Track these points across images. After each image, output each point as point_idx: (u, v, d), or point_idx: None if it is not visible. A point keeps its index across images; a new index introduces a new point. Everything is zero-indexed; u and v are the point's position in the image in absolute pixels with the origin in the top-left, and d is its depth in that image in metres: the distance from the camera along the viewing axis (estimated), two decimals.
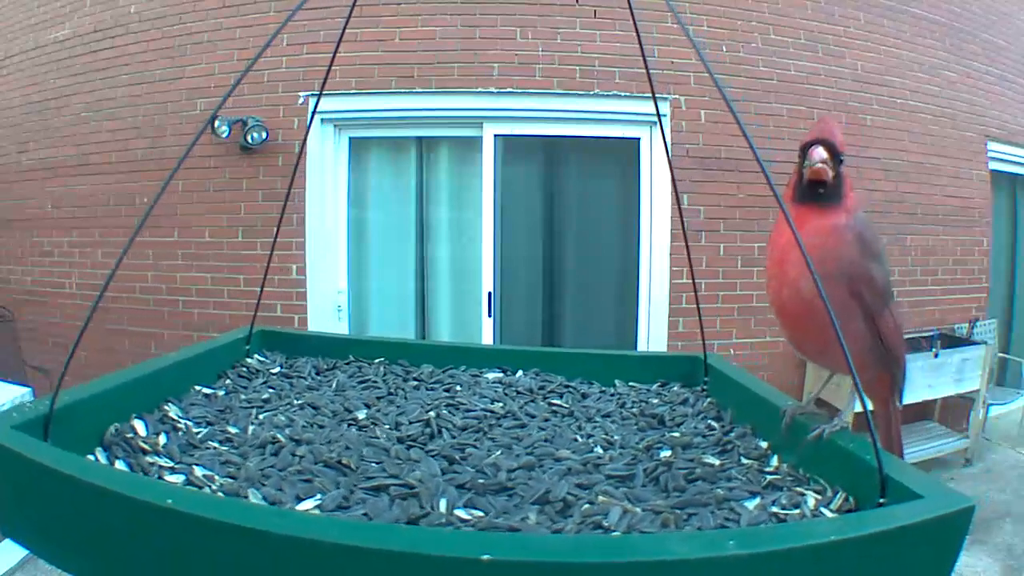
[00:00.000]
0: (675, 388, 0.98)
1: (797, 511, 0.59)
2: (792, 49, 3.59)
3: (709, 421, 0.84)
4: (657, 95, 3.26)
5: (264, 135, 3.30)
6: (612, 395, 0.96)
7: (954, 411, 3.90)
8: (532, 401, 0.91)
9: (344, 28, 0.95)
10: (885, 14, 3.82)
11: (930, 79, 3.94)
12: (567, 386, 0.98)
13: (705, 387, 0.96)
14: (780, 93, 3.52)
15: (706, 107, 3.38)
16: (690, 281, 3.41)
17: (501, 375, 1.00)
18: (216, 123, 3.27)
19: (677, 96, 3.37)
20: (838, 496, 0.60)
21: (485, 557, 0.40)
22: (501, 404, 0.87)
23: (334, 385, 0.93)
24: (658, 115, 1.19)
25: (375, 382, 0.95)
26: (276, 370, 0.97)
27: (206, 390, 0.84)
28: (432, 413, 0.80)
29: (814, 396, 0.77)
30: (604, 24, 3.38)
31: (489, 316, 3.48)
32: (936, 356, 3.53)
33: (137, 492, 0.46)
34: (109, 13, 3.72)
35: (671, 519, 0.56)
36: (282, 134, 3.37)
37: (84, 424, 0.63)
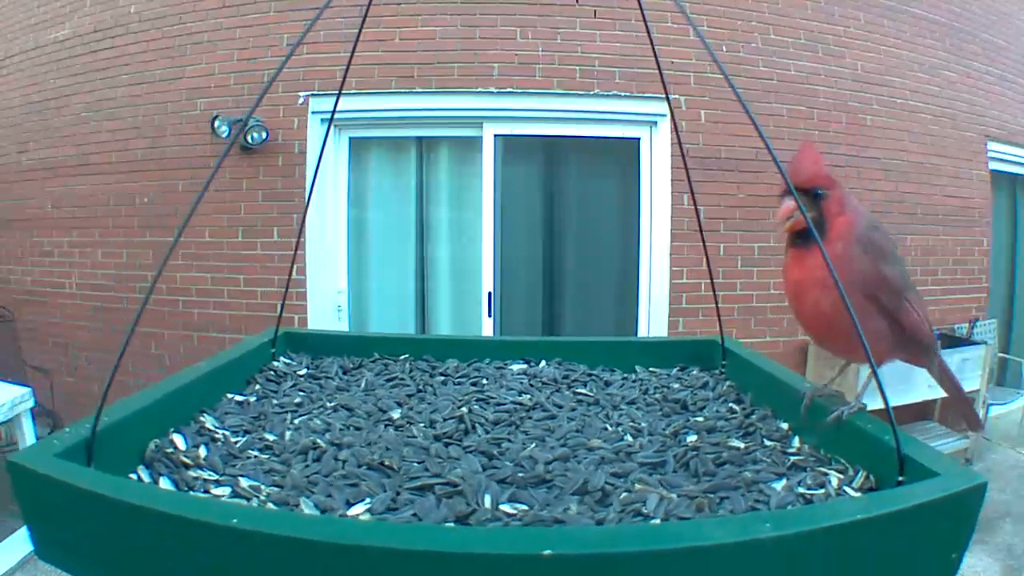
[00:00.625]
0: (694, 372, 1.01)
1: (822, 491, 0.60)
2: (792, 49, 3.59)
3: (730, 404, 0.86)
4: (657, 95, 3.27)
5: (264, 135, 3.30)
6: (634, 381, 0.98)
7: (954, 411, 3.90)
8: (558, 391, 0.93)
9: (360, 29, 0.95)
10: (885, 14, 3.83)
11: (930, 79, 3.95)
12: (590, 374, 1.00)
13: (723, 371, 0.99)
14: (780, 93, 3.53)
15: (706, 107, 3.38)
16: (690, 281, 3.41)
17: (525, 366, 1.02)
18: (216, 123, 3.28)
19: (677, 96, 3.37)
20: (859, 475, 0.62)
21: (547, 552, 0.41)
22: (528, 396, 0.88)
23: (363, 384, 0.93)
24: (672, 113, 1.19)
25: (403, 379, 0.96)
26: (303, 372, 0.97)
27: (238, 398, 0.84)
28: (464, 409, 0.81)
29: (833, 379, 0.79)
30: (604, 24, 3.38)
31: (489, 316, 3.48)
32: None
33: (200, 514, 0.46)
34: (109, 13, 3.72)
35: (705, 503, 0.57)
36: (282, 134, 3.37)
37: (124, 443, 0.62)
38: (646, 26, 0.87)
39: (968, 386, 3.67)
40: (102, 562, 0.50)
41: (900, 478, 0.55)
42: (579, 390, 0.93)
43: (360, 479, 0.62)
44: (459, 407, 0.82)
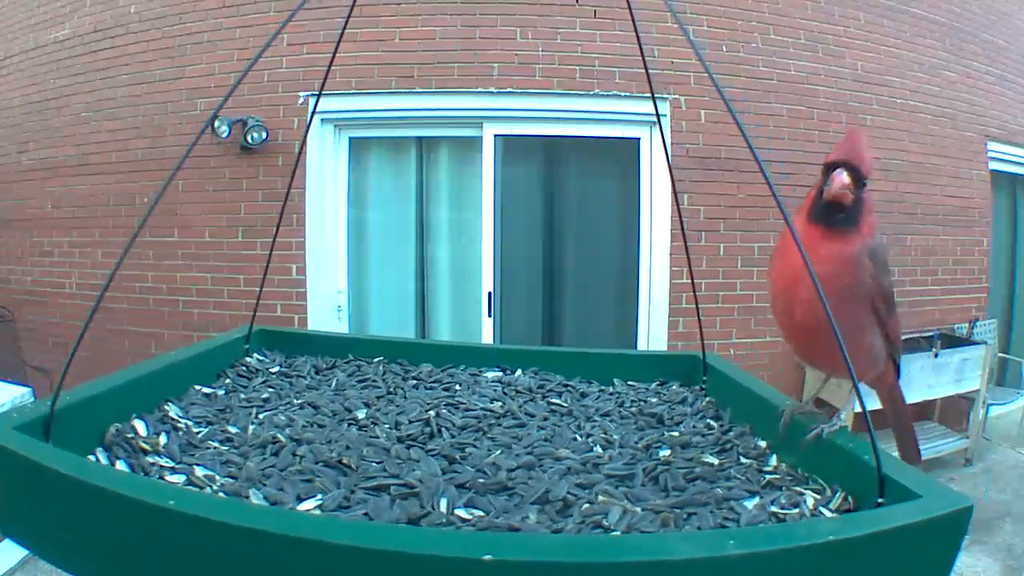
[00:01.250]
0: (674, 387, 0.98)
1: (796, 511, 0.59)
2: (792, 49, 3.59)
3: (708, 420, 0.84)
4: (657, 95, 3.26)
5: (264, 135, 3.30)
6: (611, 394, 0.96)
7: (954, 411, 3.90)
8: (531, 400, 0.91)
9: (344, 28, 0.95)
10: (885, 14, 3.83)
11: (930, 79, 3.94)
12: (566, 385, 0.98)
13: (704, 386, 0.97)
14: (780, 93, 3.52)
15: (706, 107, 3.38)
16: (690, 281, 3.41)
17: (500, 374, 1.01)
18: (216, 123, 3.28)
19: (677, 96, 3.37)
20: (837, 495, 0.60)
21: (487, 557, 0.40)
22: (500, 403, 0.87)
23: (334, 384, 0.93)
24: (657, 116, 1.19)
25: (375, 381, 0.95)
26: (276, 369, 0.97)
27: (206, 390, 0.84)
28: (432, 412, 0.80)
29: (813, 396, 0.77)
30: (604, 24, 3.38)
31: (489, 316, 3.48)
32: (936, 356, 3.53)
33: (139, 493, 0.46)
34: (109, 13, 3.72)
35: (671, 518, 0.56)
36: (282, 134, 3.37)
37: (85, 424, 0.63)
38: (635, 27, 0.86)
39: (968, 386, 3.67)
40: (51, 536, 0.50)
41: (880, 499, 0.53)
42: (553, 400, 0.92)
43: (315, 475, 0.62)
44: (427, 411, 0.81)
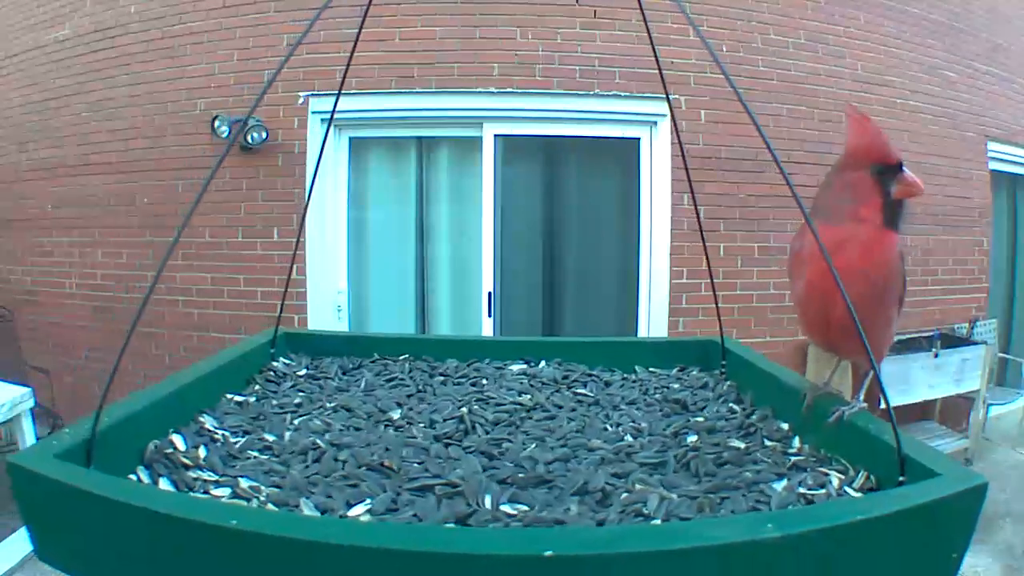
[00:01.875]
0: (694, 372, 1.00)
1: (823, 491, 0.60)
2: (792, 49, 3.59)
3: (730, 404, 0.86)
4: (657, 95, 3.26)
5: (264, 135, 3.30)
6: (634, 382, 0.98)
7: (954, 411, 3.90)
8: (558, 391, 0.92)
9: (360, 29, 0.95)
10: (885, 14, 3.83)
11: (930, 79, 3.94)
12: (589, 375, 1.00)
13: (723, 371, 0.98)
14: (780, 93, 3.53)
15: (706, 107, 3.38)
16: (690, 281, 3.41)
17: (525, 367, 1.02)
18: (216, 123, 3.28)
19: (677, 96, 3.37)
20: (860, 475, 0.62)
21: (548, 553, 0.41)
22: (528, 396, 0.88)
23: (363, 385, 0.93)
24: (671, 112, 1.19)
25: (403, 380, 0.96)
26: (303, 372, 0.97)
27: (237, 398, 0.84)
28: (464, 409, 0.81)
29: (829, 378, 0.79)
30: (604, 24, 3.38)
31: (489, 316, 3.48)
32: (936, 356, 3.53)
33: (199, 515, 0.46)
34: (109, 13, 3.72)
35: (706, 504, 0.57)
36: (282, 134, 3.37)
37: (123, 444, 0.62)
38: (646, 25, 0.87)
39: (968, 386, 3.67)
40: (101, 563, 0.50)
41: (901, 478, 0.55)
42: (579, 390, 0.93)
43: (360, 480, 0.62)
44: (459, 407, 0.82)
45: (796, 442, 0.73)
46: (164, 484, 0.61)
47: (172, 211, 3.40)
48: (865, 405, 0.69)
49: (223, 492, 0.59)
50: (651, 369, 1.02)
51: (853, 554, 0.46)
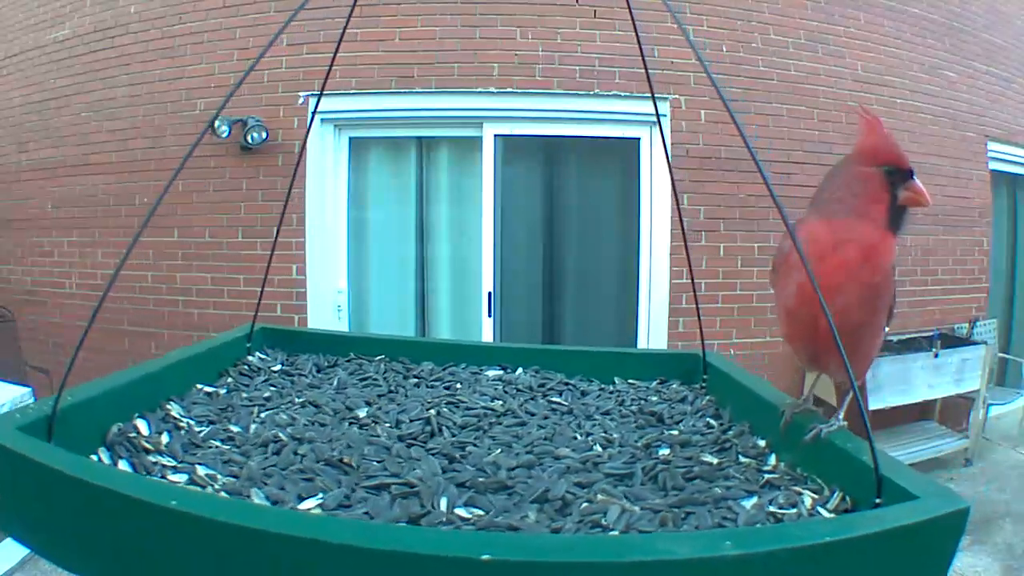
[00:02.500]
0: (674, 386, 0.98)
1: (794, 510, 0.59)
2: (792, 49, 3.59)
3: (708, 419, 0.84)
4: (657, 95, 3.27)
5: (264, 135, 3.30)
6: (611, 392, 0.96)
7: (954, 411, 3.90)
8: (532, 399, 0.91)
9: (344, 28, 0.95)
10: (885, 14, 3.83)
11: (930, 79, 3.94)
12: (567, 384, 0.98)
13: (704, 385, 0.96)
14: (780, 93, 3.52)
15: (706, 107, 3.38)
16: (690, 280, 3.41)
17: (501, 373, 1.01)
18: (216, 123, 3.28)
19: (677, 96, 3.37)
20: (835, 496, 0.60)
21: (485, 557, 0.40)
22: (501, 402, 0.87)
23: (335, 383, 0.93)
24: (657, 116, 1.19)
25: (376, 380, 0.95)
26: (277, 368, 0.97)
27: (208, 388, 0.84)
28: (432, 411, 0.80)
29: (809, 393, 0.78)
30: (604, 24, 3.38)
31: (489, 316, 3.48)
32: (936, 356, 3.53)
33: (141, 493, 0.46)
34: (109, 13, 3.72)
35: (669, 518, 0.56)
36: (282, 134, 3.37)
37: (87, 424, 0.63)
38: (634, 28, 0.86)
39: (968, 386, 3.67)
40: (54, 535, 0.51)
41: (877, 500, 0.53)
42: (554, 399, 0.92)
43: (316, 474, 0.62)
44: (428, 409, 0.81)
45: (772, 459, 0.71)
46: (123, 466, 0.61)
47: (172, 211, 3.40)
48: (845, 423, 0.67)
49: (180, 478, 0.60)
50: (630, 381, 1.00)
51: None
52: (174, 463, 0.62)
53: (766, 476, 0.66)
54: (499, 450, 0.72)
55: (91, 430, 0.64)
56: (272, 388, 0.88)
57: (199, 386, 0.84)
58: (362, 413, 0.81)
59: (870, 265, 0.67)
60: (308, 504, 0.57)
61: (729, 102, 0.59)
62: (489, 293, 3.48)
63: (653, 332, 3.47)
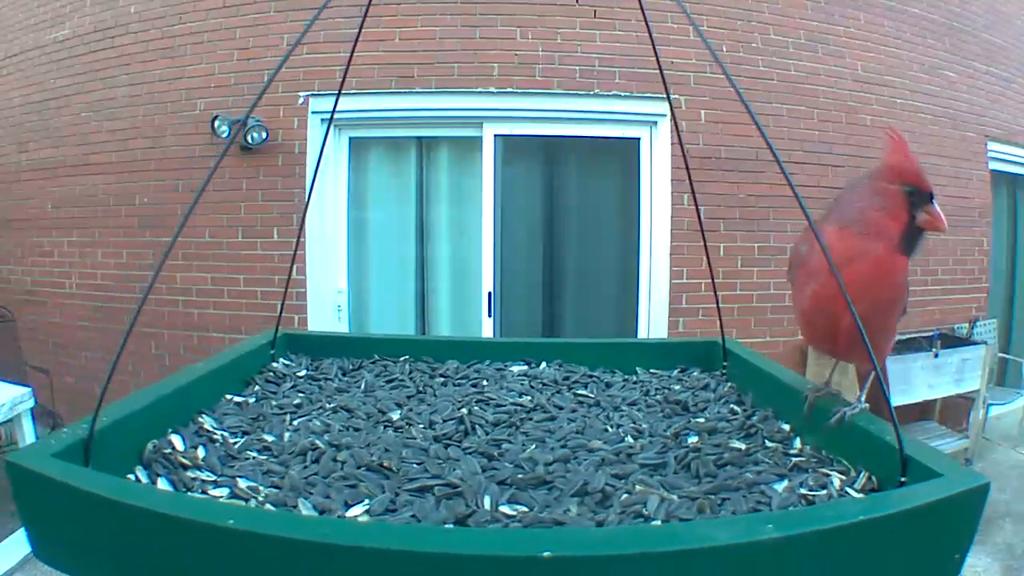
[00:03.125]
0: (695, 373, 1.00)
1: (824, 492, 0.60)
2: (792, 49, 3.59)
3: (731, 405, 0.86)
4: (657, 95, 3.26)
5: (264, 135, 3.30)
6: (635, 383, 0.97)
7: (954, 411, 3.90)
8: (558, 392, 0.92)
9: (360, 29, 0.95)
10: (885, 14, 3.83)
11: (930, 79, 3.94)
12: (591, 376, 1.00)
13: (724, 372, 0.98)
14: (780, 93, 3.52)
15: (706, 107, 3.38)
16: (690, 281, 3.41)
17: (526, 368, 1.02)
18: (216, 123, 3.28)
19: (677, 96, 3.37)
20: (861, 476, 0.62)
21: (546, 554, 0.41)
22: (529, 397, 0.88)
23: (363, 386, 0.93)
24: (672, 112, 1.19)
25: (403, 381, 0.96)
26: (303, 373, 0.97)
27: (237, 398, 0.84)
28: (464, 410, 0.81)
29: (830, 377, 0.79)
30: (604, 24, 3.38)
31: (489, 316, 3.48)
32: (936, 356, 3.53)
33: (197, 514, 0.46)
34: (109, 13, 3.72)
35: (706, 505, 0.57)
36: (282, 134, 3.37)
37: (121, 444, 0.62)
38: (647, 27, 0.86)
39: (968, 386, 3.67)
40: (100, 562, 0.50)
41: (902, 479, 0.55)
42: (580, 391, 0.93)
43: (359, 480, 0.62)
44: (459, 408, 0.82)
45: (797, 443, 0.73)
46: (162, 484, 0.61)
47: (172, 211, 3.40)
48: (867, 406, 0.69)
49: (221, 492, 0.59)
50: (652, 370, 1.02)
51: (854, 555, 0.46)
52: (214, 477, 0.62)
53: (793, 459, 0.68)
54: (534, 445, 0.73)
55: (126, 449, 0.63)
56: (300, 394, 0.88)
57: (228, 396, 0.83)
58: (395, 416, 0.81)
59: (880, 283, 0.68)
60: (356, 511, 0.57)
61: (747, 104, 0.59)
62: (489, 293, 3.48)
63: (653, 332, 3.46)
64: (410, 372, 0.99)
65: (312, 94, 3.34)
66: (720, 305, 1.06)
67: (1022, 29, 4.51)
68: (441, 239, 3.63)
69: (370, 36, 3.28)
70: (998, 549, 2.86)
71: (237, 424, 0.75)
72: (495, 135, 3.45)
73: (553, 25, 3.40)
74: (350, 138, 3.54)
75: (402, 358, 1.04)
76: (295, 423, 0.77)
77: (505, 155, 3.50)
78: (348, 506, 0.58)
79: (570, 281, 3.68)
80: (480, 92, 3.38)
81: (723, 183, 3.39)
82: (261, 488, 0.60)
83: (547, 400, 0.88)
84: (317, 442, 0.70)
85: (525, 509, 0.58)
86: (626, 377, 1.00)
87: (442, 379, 0.97)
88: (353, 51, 0.95)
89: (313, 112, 3.37)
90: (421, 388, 0.92)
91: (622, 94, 3.38)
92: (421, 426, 0.78)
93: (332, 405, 0.83)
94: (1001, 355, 4.45)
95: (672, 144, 3.38)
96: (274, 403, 0.84)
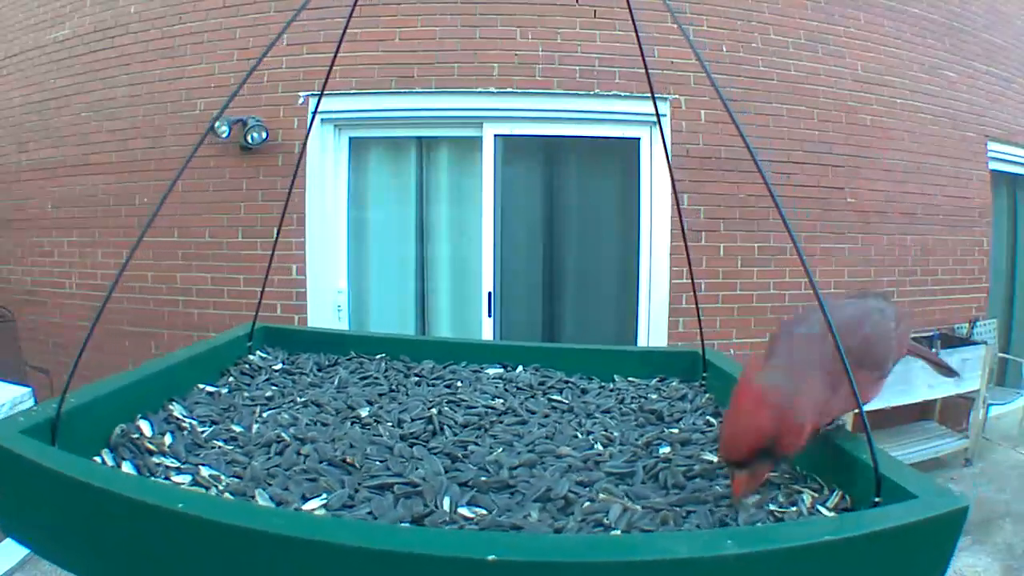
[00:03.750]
0: (674, 384, 0.98)
1: (794, 509, 0.59)
2: (792, 49, 3.59)
3: (708, 417, 0.84)
4: (657, 95, 3.26)
5: (264, 135, 3.30)
6: (611, 391, 0.96)
7: (954, 411, 3.90)
8: (532, 397, 0.91)
9: (345, 28, 0.95)
10: (885, 14, 3.83)
11: (930, 79, 3.94)
12: (567, 382, 0.98)
13: (704, 383, 0.96)
14: (780, 93, 3.52)
15: (706, 107, 3.38)
16: (690, 281, 3.41)
17: (502, 371, 1.00)
18: (216, 123, 3.28)
19: (677, 96, 3.37)
20: (834, 494, 0.60)
21: (491, 557, 0.40)
22: (502, 400, 0.87)
23: (336, 382, 0.93)
24: (657, 116, 1.19)
25: (377, 378, 0.95)
26: (279, 367, 0.97)
27: (210, 388, 0.84)
28: (434, 410, 0.80)
29: None
30: (604, 24, 3.38)
31: (489, 316, 3.48)
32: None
33: (148, 496, 0.47)
34: (109, 13, 3.72)
35: (670, 517, 0.56)
36: (282, 134, 3.37)
37: (90, 426, 0.63)
38: (635, 27, 0.86)
39: (968, 386, 3.67)
40: (60, 539, 0.51)
41: (876, 499, 0.53)
42: (554, 397, 0.92)
43: (319, 474, 0.62)
44: (429, 408, 0.81)
45: None
46: (127, 467, 0.61)
47: (172, 211, 3.40)
48: (844, 423, 0.67)
49: (183, 479, 0.60)
50: (630, 378, 1.00)
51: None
52: (177, 464, 0.62)
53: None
54: (501, 449, 0.72)
55: (94, 432, 0.64)
56: (274, 387, 0.88)
57: (201, 386, 0.84)
58: (364, 412, 0.80)
59: (768, 431, 0.57)
60: (312, 505, 0.57)
61: (728, 102, 0.59)
62: (489, 293, 3.48)
63: (653, 332, 3.47)
64: (385, 370, 0.98)
65: (312, 94, 3.34)
66: (701, 317, 1.05)
67: (1022, 29, 4.51)
68: (441, 239, 3.63)
69: (370, 36, 3.28)
70: (998, 549, 2.86)
71: (207, 413, 0.76)
72: (495, 135, 3.45)
73: (553, 25, 3.40)
74: (350, 138, 3.54)
75: (378, 356, 1.03)
76: (264, 415, 0.77)
77: (505, 155, 3.50)
78: (306, 499, 0.58)
79: (570, 281, 3.68)
80: (480, 92, 3.38)
81: (723, 183, 3.39)
82: (223, 477, 0.60)
83: (520, 404, 0.86)
84: (283, 435, 0.70)
85: (484, 512, 0.57)
86: (603, 384, 0.98)
87: (417, 378, 0.96)
88: (337, 51, 0.94)
89: (313, 112, 3.37)
90: (394, 387, 0.92)
91: (622, 94, 3.38)
92: (389, 424, 0.77)
93: (303, 399, 0.83)
94: (1001, 355, 4.45)
95: (672, 144, 3.38)
96: (246, 395, 0.84)
